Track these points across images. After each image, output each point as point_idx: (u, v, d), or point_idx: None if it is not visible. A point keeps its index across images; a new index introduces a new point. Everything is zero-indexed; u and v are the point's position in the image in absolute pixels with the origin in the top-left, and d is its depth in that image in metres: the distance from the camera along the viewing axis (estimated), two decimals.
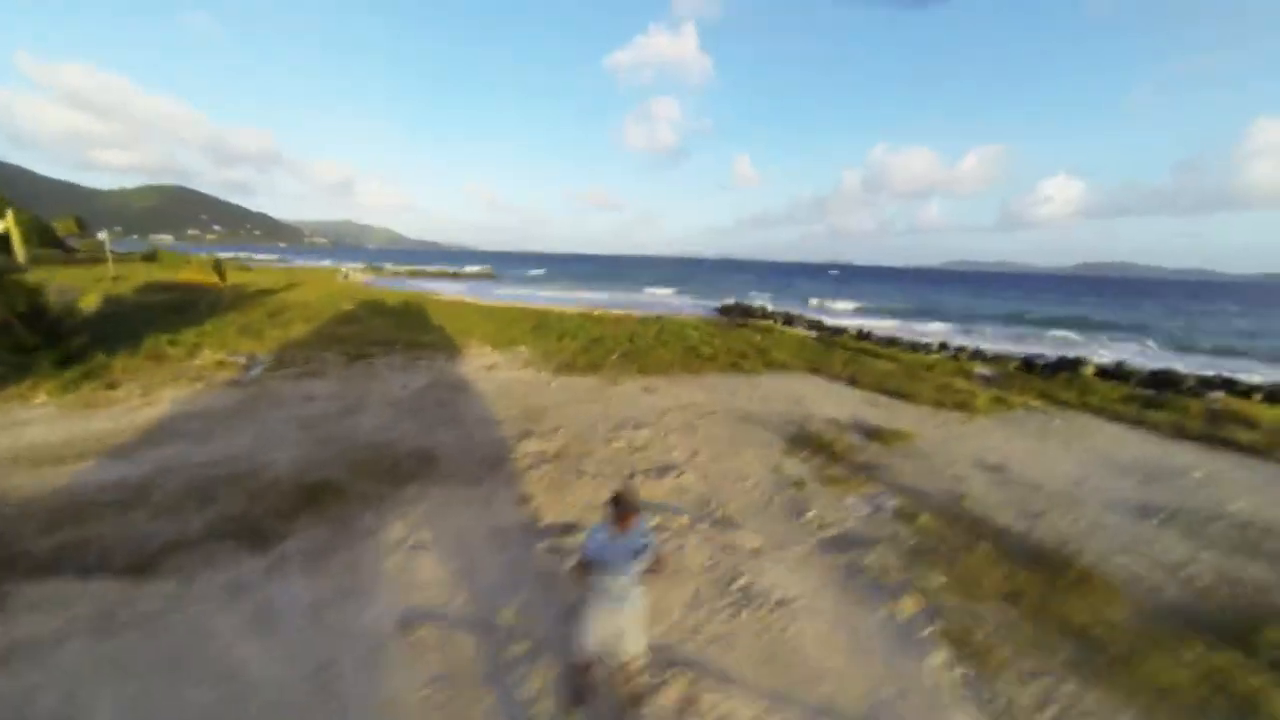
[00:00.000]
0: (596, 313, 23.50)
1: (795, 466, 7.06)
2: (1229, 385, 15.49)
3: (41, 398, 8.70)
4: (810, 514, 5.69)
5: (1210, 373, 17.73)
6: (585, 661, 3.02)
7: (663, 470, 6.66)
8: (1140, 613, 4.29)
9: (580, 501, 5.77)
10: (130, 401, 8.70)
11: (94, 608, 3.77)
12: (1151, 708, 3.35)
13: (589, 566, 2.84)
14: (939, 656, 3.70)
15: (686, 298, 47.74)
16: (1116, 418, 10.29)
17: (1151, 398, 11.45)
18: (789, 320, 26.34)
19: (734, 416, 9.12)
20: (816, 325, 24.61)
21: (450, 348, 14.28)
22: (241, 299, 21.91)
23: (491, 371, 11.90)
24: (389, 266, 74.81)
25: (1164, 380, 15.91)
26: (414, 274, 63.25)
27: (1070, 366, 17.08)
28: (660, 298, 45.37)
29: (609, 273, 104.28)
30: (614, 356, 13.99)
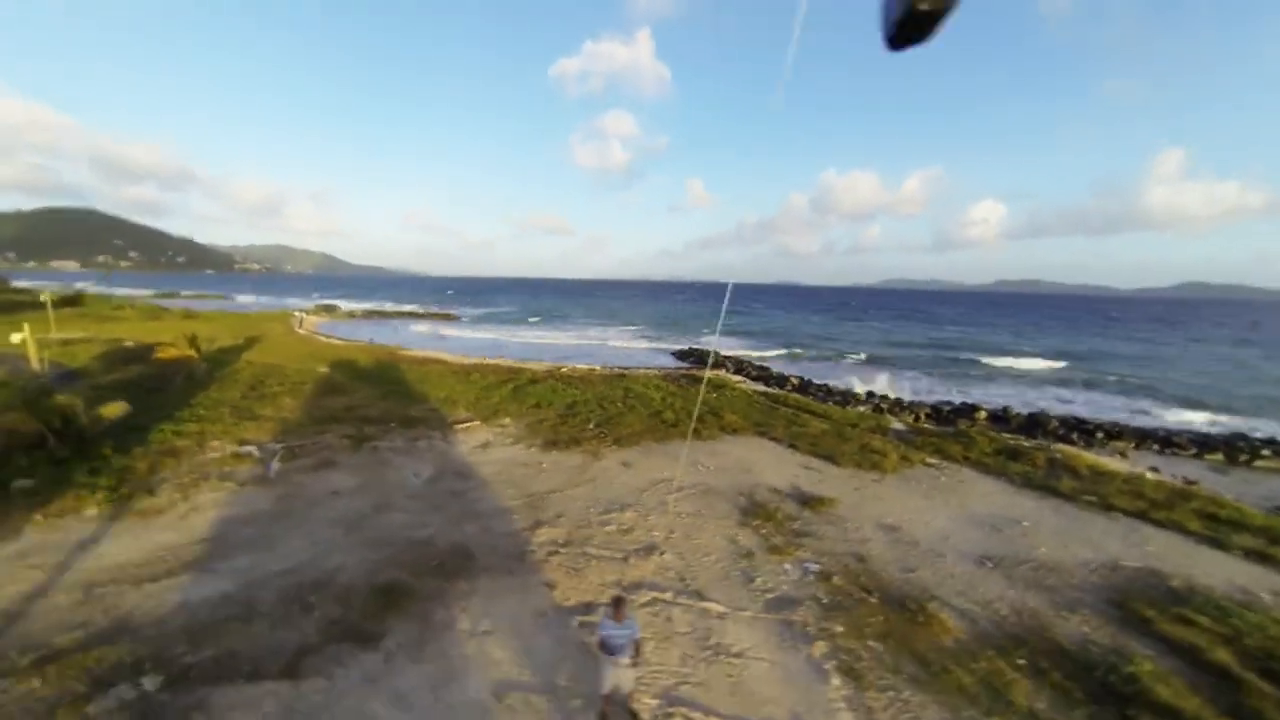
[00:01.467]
0: (564, 370, 25.45)
1: (747, 537, 9.37)
2: (1081, 426, 19.44)
3: (91, 510, 9.77)
4: (757, 580, 7.97)
5: (1069, 412, 21.89)
6: (605, 698, 5.11)
7: (648, 550, 8.79)
8: (960, 640, 6.80)
9: (593, 584, 7.79)
10: (176, 509, 9.92)
11: (278, 705, 5.45)
12: (949, 702, 5.77)
13: (602, 645, 4.97)
14: (835, 681, 6.01)
15: (644, 341, 50.52)
16: (987, 471, 13.37)
17: (1015, 449, 14.74)
18: (740, 368, 29.32)
19: (698, 491, 11.40)
20: (764, 374, 27.67)
21: (441, 424, 15.86)
22: (215, 366, 22.35)
23: (487, 451, 13.67)
24: (342, 306, 73.55)
25: (1035, 422, 19.70)
26: (370, 315, 62.69)
27: (968, 413, 20.69)
28: (620, 345, 47.68)
29: (563, 307, 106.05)
30: (591, 426, 16.08)
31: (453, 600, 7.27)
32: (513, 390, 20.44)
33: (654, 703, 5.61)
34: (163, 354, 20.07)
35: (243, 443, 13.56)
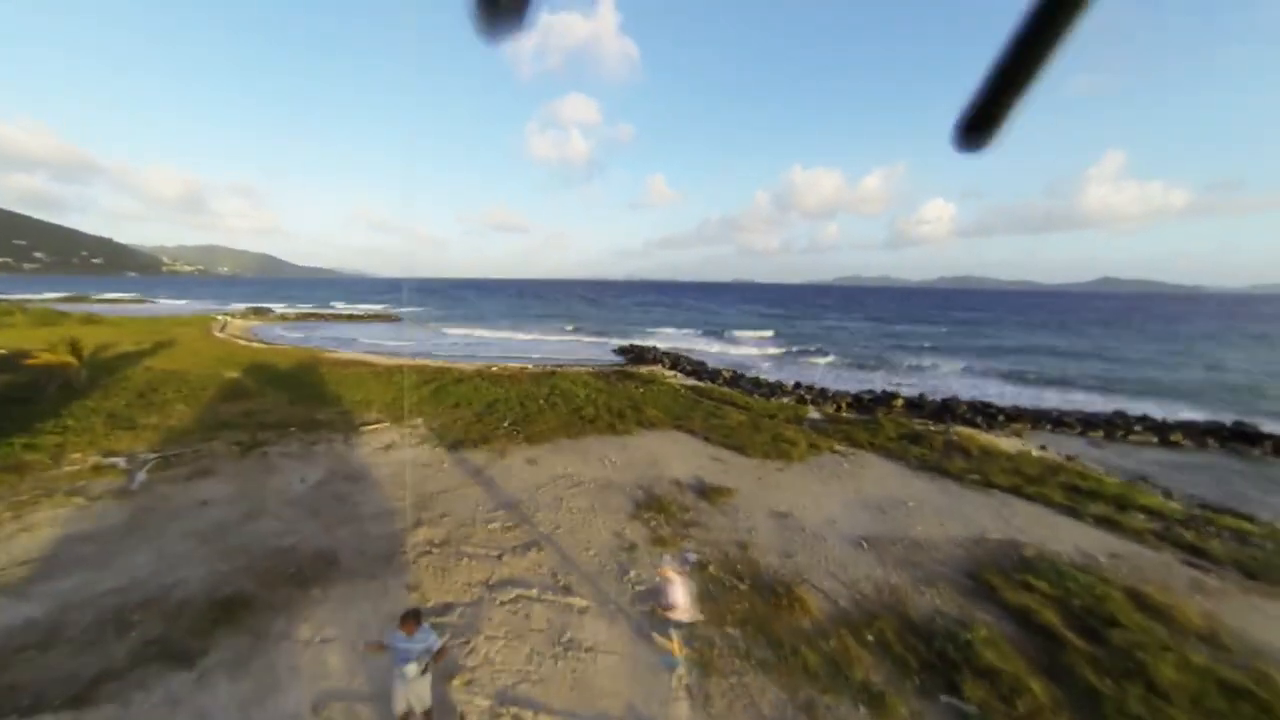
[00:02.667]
0: (494, 369, 24.82)
1: (635, 530, 9.26)
2: (986, 410, 20.55)
3: None
4: (631, 574, 7.86)
5: (979, 396, 23.13)
6: (400, 715, 4.69)
7: (526, 547, 8.53)
8: (817, 621, 6.90)
9: (458, 584, 7.47)
10: (4, 528, 8.88)
11: None
12: (790, 683, 5.81)
13: (393, 655, 4.60)
14: (679, 671, 5.94)
15: (587, 336, 50.19)
16: (889, 455, 13.85)
17: (918, 433, 15.36)
18: (675, 363, 29.46)
19: (598, 485, 11.23)
20: (699, 369, 27.89)
21: (348, 426, 15.06)
22: (102, 374, 20.47)
23: (389, 453, 13.04)
24: (278, 309, 69.38)
25: (946, 408, 20.68)
26: (306, 318, 59.43)
27: (886, 401, 21.49)
28: (561, 343, 47.17)
29: (516, 307, 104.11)
30: (505, 424, 15.66)
31: (299, 609, 6.78)
32: (434, 391, 19.72)
33: (485, 704, 5.36)
34: (35, 361, 18.17)
35: (109, 454, 12.40)
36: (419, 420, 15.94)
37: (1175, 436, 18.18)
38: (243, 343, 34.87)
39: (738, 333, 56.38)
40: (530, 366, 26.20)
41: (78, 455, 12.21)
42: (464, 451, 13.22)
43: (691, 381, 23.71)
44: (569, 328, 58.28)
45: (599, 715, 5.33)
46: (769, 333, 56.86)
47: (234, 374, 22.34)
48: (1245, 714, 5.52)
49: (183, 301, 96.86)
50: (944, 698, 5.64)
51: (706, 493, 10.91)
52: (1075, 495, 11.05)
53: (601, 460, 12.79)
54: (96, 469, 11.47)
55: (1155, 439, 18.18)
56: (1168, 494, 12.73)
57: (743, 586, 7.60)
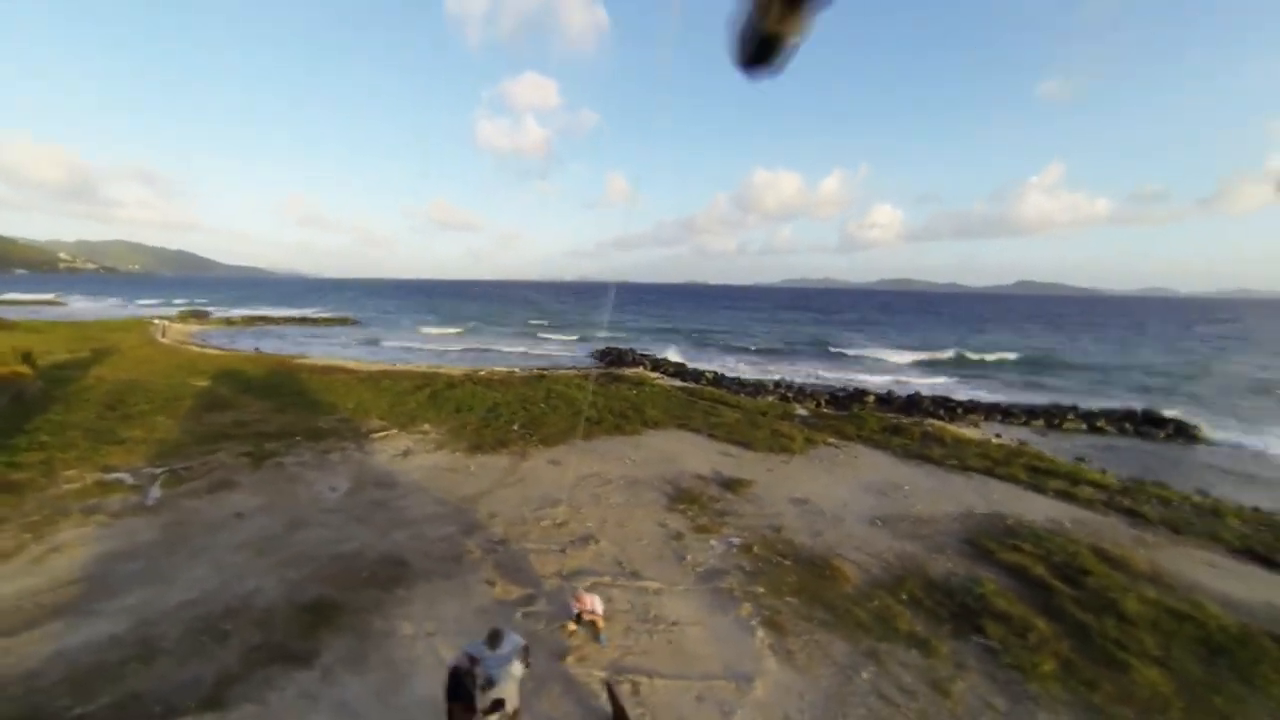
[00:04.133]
0: (483, 373, 24.82)
1: (676, 521, 10.07)
2: (945, 403, 22.81)
3: None
4: (688, 558, 8.68)
5: (936, 393, 25.52)
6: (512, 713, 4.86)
7: (584, 540, 9.16)
8: (857, 586, 7.99)
9: (534, 574, 8.02)
10: (28, 551, 8.52)
11: None
12: (851, 635, 6.83)
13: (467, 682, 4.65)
14: (760, 634, 6.83)
15: (557, 337, 50.38)
16: (876, 446, 15.38)
17: (897, 425, 17.06)
18: (656, 365, 30.43)
19: (626, 482, 11.95)
20: (681, 370, 28.99)
21: (354, 434, 14.93)
22: (53, 386, 18.92)
23: (409, 459, 13.16)
24: (216, 312, 64.60)
25: (912, 403, 22.77)
26: (253, 323, 55.72)
27: (859, 398, 23.35)
28: (537, 344, 47.20)
29: (473, 309, 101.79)
30: (515, 428, 16.02)
31: (390, 609, 7.13)
32: (429, 396, 19.65)
33: (601, 674, 6.04)
34: None
35: (108, 470, 11.84)
36: (426, 426, 15.99)
37: (1100, 424, 21.01)
38: (196, 349, 32.67)
39: (697, 338, 58.11)
40: (518, 370, 26.34)
41: (73, 472, 11.58)
42: (484, 455, 13.53)
43: (678, 383, 24.72)
44: (539, 330, 57.97)
45: (704, 674, 6.13)
46: (728, 332, 58.98)
47: (203, 383, 21.21)
48: (1189, 631, 7.05)
49: (106, 303, 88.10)
50: (974, 638, 6.85)
51: (729, 484, 11.88)
52: (1035, 474, 12.89)
53: (621, 459, 13.50)
54: (101, 486, 10.98)
55: (1085, 426, 20.94)
56: (1103, 471, 14.96)
57: (787, 563, 8.60)
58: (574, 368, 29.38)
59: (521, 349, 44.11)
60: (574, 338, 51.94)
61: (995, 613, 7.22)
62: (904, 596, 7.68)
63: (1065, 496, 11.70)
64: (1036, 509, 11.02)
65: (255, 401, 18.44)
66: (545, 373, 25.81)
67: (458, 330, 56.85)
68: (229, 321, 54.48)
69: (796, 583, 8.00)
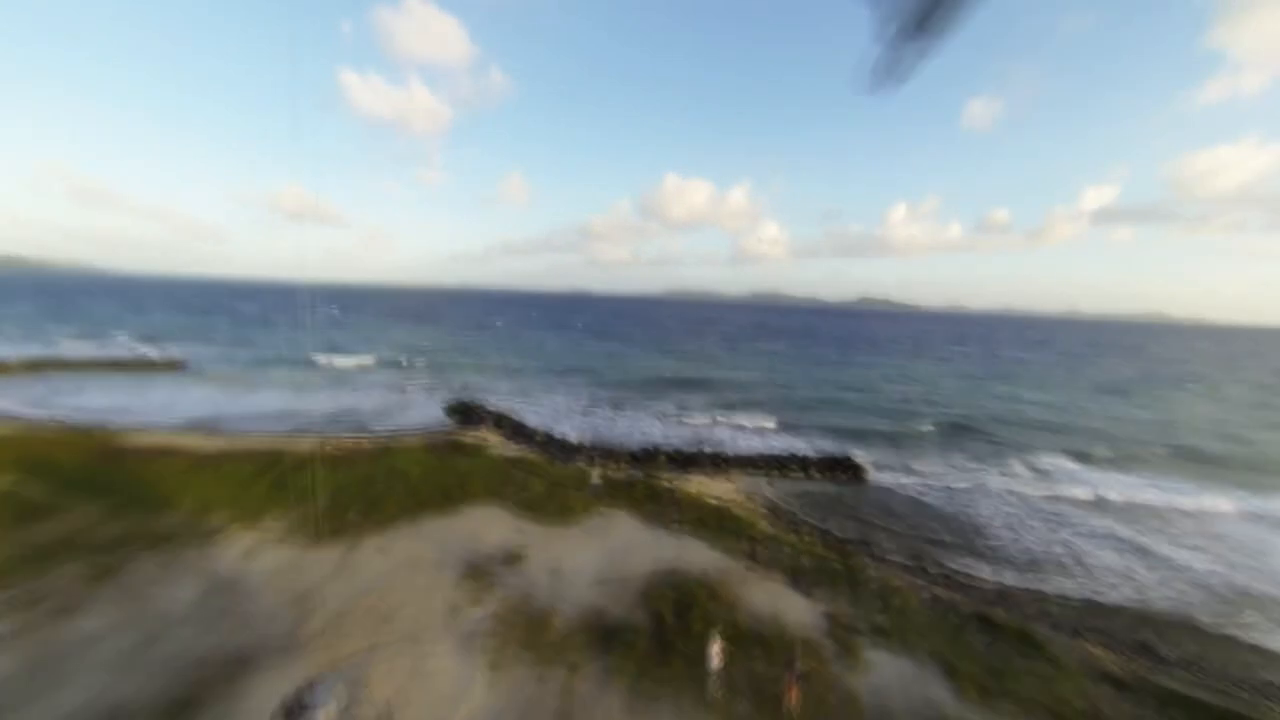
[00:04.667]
0: (329, 448, 27.21)
1: (459, 594, 14.92)
2: (714, 458, 30.60)
3: None
4: (456, 625, 13.61)
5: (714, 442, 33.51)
6: None
7: (388, 618, 13.62)
8: (558, 633, 13.59)
9: (348, 651, 12.34)
10: None
11: None
12: (543, 671, 12.32)
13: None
14: (482, 674, 12.02)
15: (416, 383, 52.10)
16: (633, 510, 21.69)
17: (654, 489, 23.72)
18: (499, 422, 34.93)
19: (433, 563, 16.52)
20: (519, 429, 33.83)
21: (197, 537, 17.32)
22: None
23: (252, 560, 16.23)
24: None
25: (689, 459, 30.18)
26: (38, 369, 47.64)
27: (652, 458, 30.23)
28: (391, 395, 48.62)
29: (330, 333, 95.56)
30: (351, 515, 19.58)
31: (247, 693, 11.03)
32: (274, 482, 22.04)
33: (382, 703, 10.73)
34: None
35: None
36: (269, 521, 18.82)
37: (811, 471, 30.23)
38: None
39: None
40: (365, 441, 29.01)
41: None
42: (320, 551, 17.08)
43: (512, 449, 29.54)
44: (399, 371, 58.27)
45: (441, 701, 11.13)
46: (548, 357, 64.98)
47: (3, 480, 21.00)
48: (752, 640, 13.67)
49: None
50: (604, 658, 12.75)
51: (509, 559, 17.05)
52: (719, 530, 20.06)
53: (434, 541, 18.00)
54: None
55: (801, 474, 29.97)
56: (775, 519, 22.94)
57: (520, 620, 13.96)
58: (419, 431, 32.64)
59: (379, 399, 45.41)
60: (431, 383, 53.92)
61: (625, 640, 13.26)
62: (580, 637, 13.45)
63: (724, 548, 18.82)
64: (700, 560, 17.87)
65: (79, 504, 19.27)
66: (390, 443, 28.94)
67: (305, 377, 55.14)
68: (3, 368, 46.22)
69: (521, 635, 13.38)
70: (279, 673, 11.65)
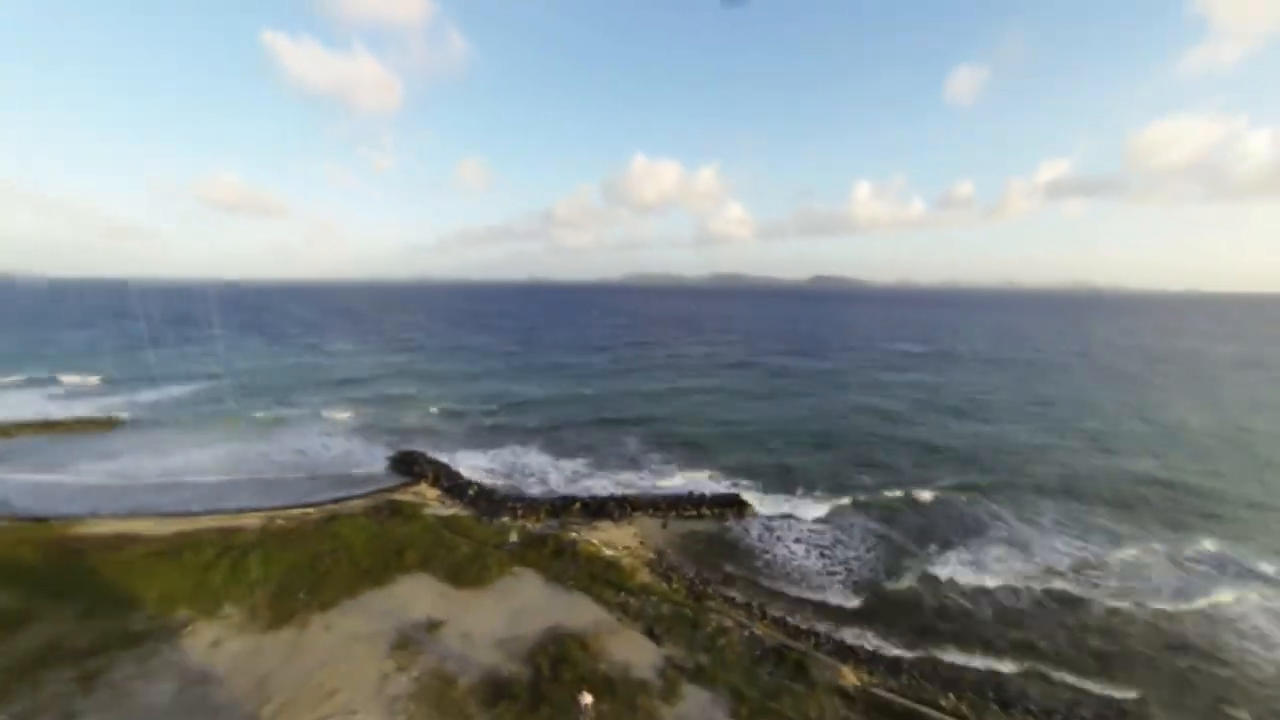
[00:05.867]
0: (280, 522, 30.92)
1: (388, 665, 19.69)
2: (621, 502, 36.15)
3: None
4: (387, 691, 18.44)
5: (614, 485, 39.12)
6: None
7: (331, 694, 18.29)
8: (461, 692, 18.65)
9: None
10: None
11: None
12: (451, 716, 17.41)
13: None
14: None
15: (354, 425, 55.31)
16: (540, 570, 26.86)
17: (560, 544, 28.94)
18: (436, 478, 39.28)
19: (368, 636, 21.15)
20: (455, 483, 38.30)
21: (167, 633, 21.16)
22: None
23: (218, 649, 20.39)
24: None
25: (600, 507, 35.58)
26: None
27: (568, 506, 35.46)
28: (330, 445, 51.84)
29: (277, 355, 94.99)
30: (301, 595, 23.85)
31: None
32: (231, 566, 25.86)
33: None
34: None
35: None
36: (228, 609, 22.85)
37: (704, 510, 36.25)
38: None
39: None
40: (312, 512, 32.81)
41: None
42: (275, 633, 21.38)
43: (443, 508, 34.08)
44: (340, 415, 60.66)
45: None
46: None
47: None
48: (607, 688, 19.09)
49: None
50: (493, 708, 17.94)
51: (431, 627, 21.90)
52: (605, 584, 25.53)
53: (371, 613, 22.59)
54: None
55: (694, 512, 35.94)
56: (656, 567, 28.66)
57: (435, 684, 18.92)
58: (362, 495, 36.58)
59: (315, 451, 48.54)
60: (370, 423, 57.15)
61: (510, 694, 18.47)
62: (478, 693, 18.55)
63: (607, 604, 24.28)
64: (582, 616, 23.25)
65: (52, 608, 22.50)
66: (336, 510, 32.91)
67: (243, 427, 56.99)
68: None
69: (434, 696, 18.36)
70: None
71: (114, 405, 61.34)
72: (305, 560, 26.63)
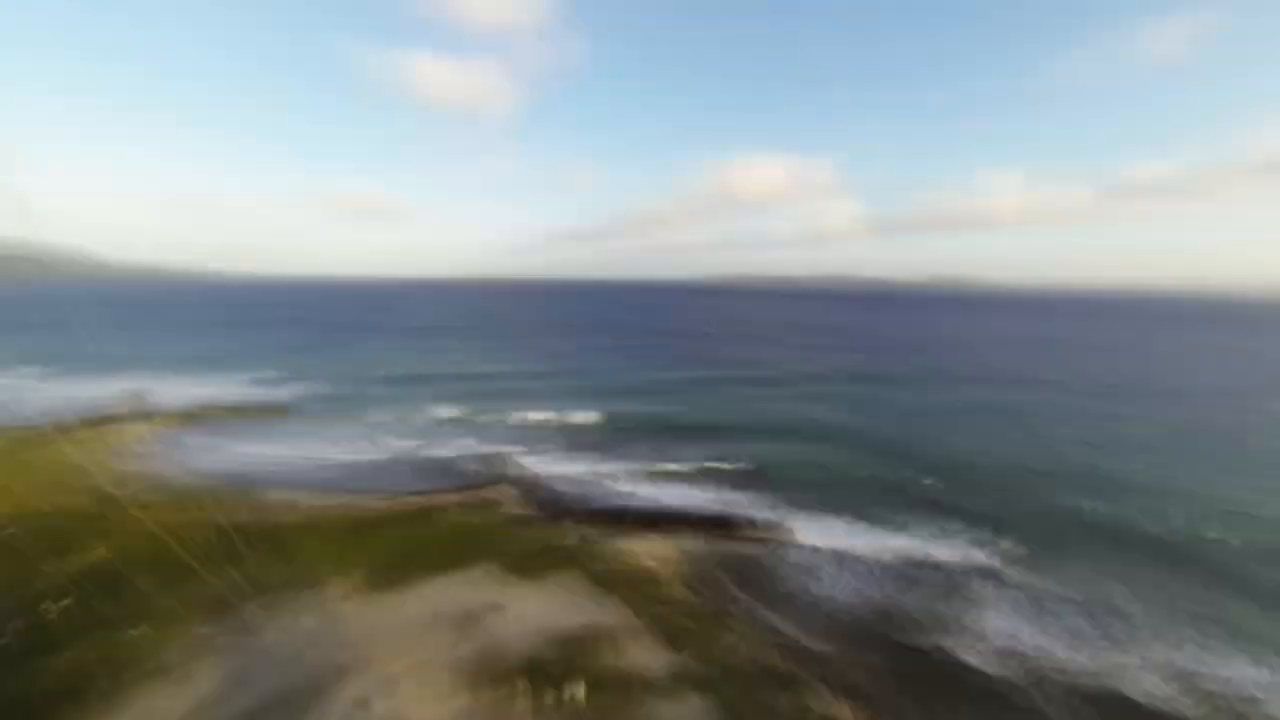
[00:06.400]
0: (393, 508, 38.78)
1: (457, 636, 25.10)
2: (665, 513, 39.46)
3: None
4: (452, 654, 23.76)
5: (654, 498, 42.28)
6: None
7: (412, 650, 24.06)
8: (513, 667, 23.40)
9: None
10: None
11: None
12: (493, 693, 22.24)
13: None
14: (462, 687, 22.09)
15: (457, 439, 64.20)
16: (585, 572, 31.11)
17: (607, 552, 32.97)
18: (514, 479, 45.54)
19: (448, 610, 26.83)
20: (528, 489, 44.25)
21: (313, 581, 28.70)
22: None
23: (344, 601, 27.34)
24: (156, 397, 72.39)
25: (650, 519, 39.15)
26: (190, 421, 64.46)
27: (621, 518, 39.48)
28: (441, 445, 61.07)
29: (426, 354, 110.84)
30: (410, 568, 30.47)
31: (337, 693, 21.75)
32: (358, 539, 33.55)
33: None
34: None
35: None
36: (354, 573, 30.06)
37: (748, 533, 38.20)
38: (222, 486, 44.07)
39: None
40: (419, 499, 40.48)
41: None
42: (383, 594, 27.97)
43: (517, 509, 39.93)
44: (449, 413, 70.98)
45: (434, 697, 21.28)
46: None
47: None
48: (619, 682, 22.92)
49: None
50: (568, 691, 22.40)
51: (492, 608, 27.06)
52: (641, 592, 29.03)
53: (450, 591, 28.39)
54: None
55: (735, 533, 38.03)
56: (692, 580, 31.52)
57: (488, 655, 23.86)
58: (458, 489, 43.84)
59: (430, 440, 57.95)
60: (476, 422, 66.02)
61: (543, 670, 22.81)
62: (516, 665, 23.11)
63: (635, 607, 27.79)
64: (616, 617, 26.98)
65: (247, 553, 31.56)
66: (435, 503, 40.21)
67: (390, 418, 69.01)
68: (189, 417, 63.38)
69: (485, 664, 23.27)
70: (359, 675, 22.29)
71: (282, 396, 77.54)
72: (410, 541, 33.59)
